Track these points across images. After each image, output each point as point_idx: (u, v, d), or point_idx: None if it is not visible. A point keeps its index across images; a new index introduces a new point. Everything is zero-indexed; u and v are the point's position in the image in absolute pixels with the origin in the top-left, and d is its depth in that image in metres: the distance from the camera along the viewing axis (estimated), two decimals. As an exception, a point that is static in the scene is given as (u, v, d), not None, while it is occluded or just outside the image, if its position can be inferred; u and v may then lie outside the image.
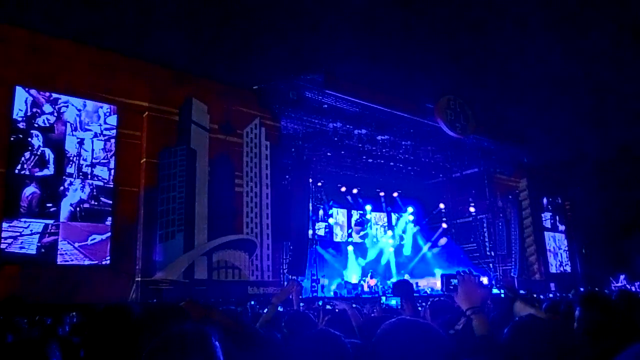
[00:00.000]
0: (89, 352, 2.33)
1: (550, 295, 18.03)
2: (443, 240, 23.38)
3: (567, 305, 3.71)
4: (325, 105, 17.31)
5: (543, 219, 25.61)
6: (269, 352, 2.52)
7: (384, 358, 1.41)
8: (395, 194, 23.63)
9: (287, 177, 18.14)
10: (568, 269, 26.01)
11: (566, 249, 26.42)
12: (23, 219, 12.26)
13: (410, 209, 24.22)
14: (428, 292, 18.71)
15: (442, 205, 24.40)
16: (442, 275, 2.86)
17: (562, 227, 26.63)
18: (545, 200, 26.04)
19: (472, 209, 23.59)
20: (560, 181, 26.67)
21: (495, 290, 16.62)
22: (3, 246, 11.84)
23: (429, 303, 4.13)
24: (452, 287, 2.56)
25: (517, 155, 22.94)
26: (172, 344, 1.42)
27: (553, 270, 25.10)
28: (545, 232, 25.51)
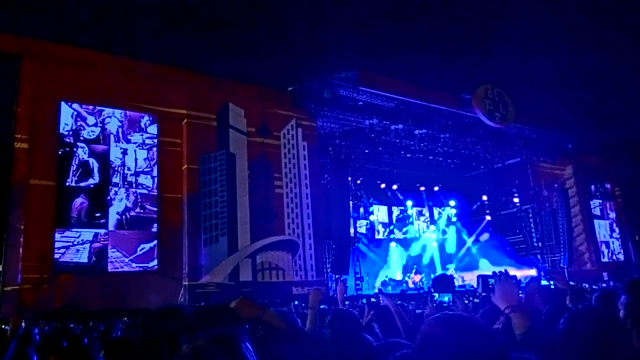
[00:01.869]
0: (140, 353, 2.38)
1: (604, 285, 17.44)
2: (485, 236, 22.95)
3: (604, 294, 3.60)
4: (361, 103, 17.26)
5: (592, 206, 24.75)
6: (317, 351, 2.54)
7: (431, 354, 1.38)
8: (436, 188, 23.34)
9: (326, 176, 18.18)
10: (621, 257, 25.06)
11: (618, 236, 25.46)
12: (74, 229, 12.73)
13: (452, 203, 23.88)
14: (474, 286, 18.36)
15: (484, 197, 23.95)
16: (478, 277, 2.87)
17: (612, 214, 25.68)
18: (593, 187, 25.16)
19: (516, 200, 23.06)
20: (608, 166, 25.71)
21: (544, 282, 16.19)
22: (57, 256, 12.32)
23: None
24: (490, 287, 2.57)
25: (560, 141, 22.23)
26: (203, 348, 1.42)
27: (605, 259, 24.24)
28: (595, 220, 24.66)
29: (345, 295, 5.94)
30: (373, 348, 2.71)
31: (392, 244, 21.55)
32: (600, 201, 25.36)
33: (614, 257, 24.72)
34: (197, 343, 1.45)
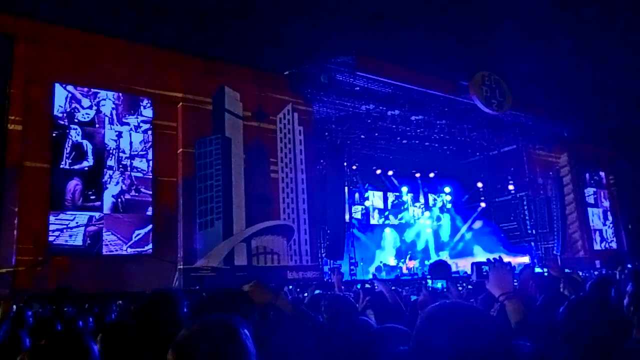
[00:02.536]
0: (138, 339, 2.37)
1: (596, 272, 17.58)
2: (478, 223, 23.03)
3: (600, 282, 3.61)
4: (357, 88, 17.18)
5: (586, 194, 24.86)
6: (322, 337, 2.54)
7: (433, 344, 1.36)
8: (431, 175, 23.35)
9: (321, 161, 18.15)
10: (614, 245, 25.25)
11: (611, 224, 25.63)
12: (69, 212, 12.68)
13: (447, 189, 23.92)
14: (468, 272, 18.47)
15: (480, 184, 24.00)
16: (472, 264, 2.87)
17: (606, 203, 25.81)
18: (587, 176, 25.25)
19: (511, 187, 23.13)
20: (603, 155, 25.78)
21: (538, 269, 16.31)
22: (51, 238, 12.29)
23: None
24: (484, 274, 2.56)
25: (556, 129, 22.27)
26: (201, 333, 1.40)
27: (598, 247, 24.42)
28: (589, 208, 24.79)
29: (342, 281, 5.95)
30: (370, 332, 2.72)
31: (387, 230, 21.61)
32: (595, 189, 25.47)
33: (606, 245, 24.90)
34: (193, 328, 1.43)
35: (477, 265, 2.94)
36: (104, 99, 13.75)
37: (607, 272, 16.27)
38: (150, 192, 14.01)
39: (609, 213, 25.74)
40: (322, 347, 2.50)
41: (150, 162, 14.18)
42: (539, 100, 21.68)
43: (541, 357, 1.79)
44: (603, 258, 23.09)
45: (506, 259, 2.59)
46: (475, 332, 1.31)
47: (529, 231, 22.43)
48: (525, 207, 22.73)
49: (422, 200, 23.85)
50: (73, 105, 13.26)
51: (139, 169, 13.98)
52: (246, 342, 1.41)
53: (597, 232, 24.79)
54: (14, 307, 4.00)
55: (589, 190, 25.15)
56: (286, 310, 2.52)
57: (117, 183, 13.56)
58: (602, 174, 26.13)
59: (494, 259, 2.52)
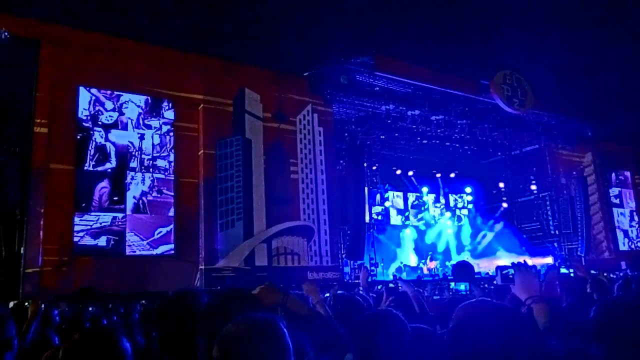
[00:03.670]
0: (159, 337, 2.40)
1: (621, 273, 17.25)
2: (499, 226, 22.76)
3: (628, 283, 3.54)
4: (377, 88, 17.13)
5: (611, 194, 24.42)
6: (338, 339, 2.54)
7: (468, 342, 1.36)
8: (452, 175, 23.16)
9: (341, 162, 18.14)
10: (640, 245, 24.75)
11: (637, 225, 25.11)
12: (93, 213, 12.89)
13: (468, 190, 23.70)
14: (490, 273, 18.25)
15: (501, 185, 23.73)
16: (497, 268, 2.83)
17: (632, 203, 25.30)
18: (613, 175, 24.79)
19: (533, 187, 22.80)
20: (629, 154, 25.28)
21: (563, 270, 16.06)
22: (76, 239, 12.51)
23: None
24: (510, 277, 2.54)
25: (580, 128, 21.90)
26: (245, 331, 1.45)
27: (624, 247, 23.94)
28: (614, 208, 24.33)
29: (369, 280, 5.94)
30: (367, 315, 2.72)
31: (407, 231, 21.49)
32: (620, 189, 25.00)
33: (632, 246, 24.41)
34: (238, 325, 1.48)
35: (501, 269, 2.91)
36: (127, 102, 13.95)
37: (632, 273, 15.96)
38: (172, 193, 14.17)
39: (634, 213, 25.24)
40: (331, 344, 2.49)
41: (172, 164, 14.34)
42: (561, 98, 21.37)
43: (574, 355, 1.77)
44: (629, 259, 22.62)
45: (528, 260, 2.57)
46: (510, 329, 1.31)
47: (552, 232, 22.10)
48: (548, 208, 22.39)
49: (442, 200, 23.66)
50: (97, 108, 13.49)
51: (161, 171, 14.15)
52: (288, 340, 1.47)
53: (623, 233, 24.32)
54: (42, 306, 4.08)
55: (614, 190, 24.70)
56: (297, 310, 2.53)
57: (139, 184, 13.74)
58: (628, 173, 25.63)
59: (518, 262, 2.50)
